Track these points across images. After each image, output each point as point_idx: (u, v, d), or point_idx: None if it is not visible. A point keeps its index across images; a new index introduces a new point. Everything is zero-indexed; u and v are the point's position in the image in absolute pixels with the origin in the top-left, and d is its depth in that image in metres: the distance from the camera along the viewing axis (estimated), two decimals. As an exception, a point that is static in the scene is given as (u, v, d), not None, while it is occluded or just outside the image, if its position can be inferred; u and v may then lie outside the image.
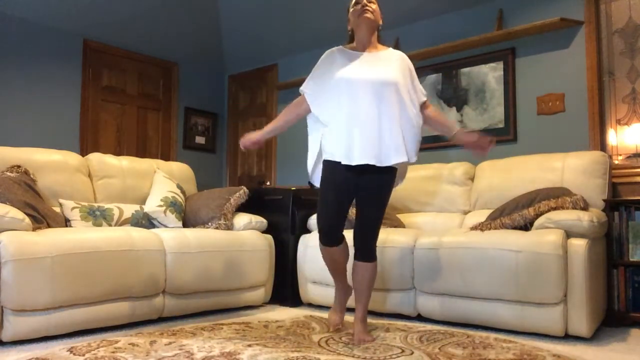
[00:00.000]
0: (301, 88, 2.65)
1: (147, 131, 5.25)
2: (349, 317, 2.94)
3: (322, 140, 2.54)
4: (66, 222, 3.03)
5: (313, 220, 3.61)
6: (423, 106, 2.58)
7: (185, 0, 4.96)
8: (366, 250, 2.52)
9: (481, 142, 2.53)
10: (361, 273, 2.52)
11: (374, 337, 2.52)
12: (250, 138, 2.67)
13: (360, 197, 2.49)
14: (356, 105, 2.42)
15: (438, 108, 4.23)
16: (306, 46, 5.03)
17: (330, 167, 2.49)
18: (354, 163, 2.39)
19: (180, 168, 3.98)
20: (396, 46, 4.43)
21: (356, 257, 2.55)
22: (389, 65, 2.51)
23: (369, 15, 2.48)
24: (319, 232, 2.54)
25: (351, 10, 2.55)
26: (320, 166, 2.57)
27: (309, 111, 2.61)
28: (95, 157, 3.54)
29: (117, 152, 4.83)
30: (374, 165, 2.40)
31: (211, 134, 5.83)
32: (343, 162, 2.40)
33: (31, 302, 2.36)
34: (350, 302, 2.75)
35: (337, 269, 2.65)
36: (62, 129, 4.56)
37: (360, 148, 2.39)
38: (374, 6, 2.52)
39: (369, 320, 2.82)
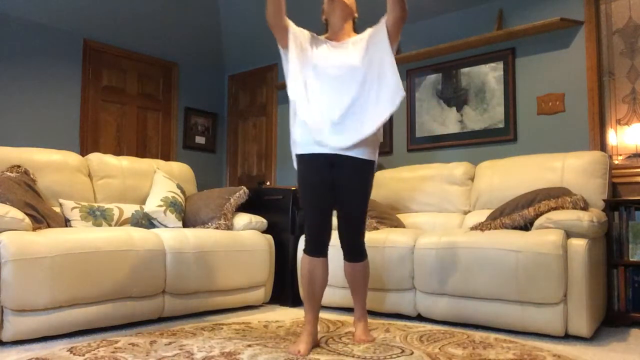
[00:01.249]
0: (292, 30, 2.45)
1: (147, 131, 5.25)
2: (348, 317, 2.94)
3: (292, 130, 2.46)
4: (66, 222, 3.03)
5: (313, 220, 3.61)
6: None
7: (185, 0, 4.96)
8: (354, 249, 2.47)
9: None
10: (353, 273, 2.50)
11: (374, 337, 2.52)
12: None
13: (339, 194, 2.40)
14: (320, 92, 2.35)
15: (437, 108, 4.23)
16: (306, 46, 5.02)
17: (303, 163, 2.41)
18: (315, 152, 2.34)
19: (180, 168, 3.98)
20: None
21: (345, 258, 2.50)
22: (358, 46, 2.40)
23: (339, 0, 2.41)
24: (306, 240, 2.43)
25: None
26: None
27: (280, 28, 2.41)
28: (95, 157, 3.54)
29: (117, 152, 4.83)
30: (348, 159, 2.33)
31: (211, 134, 5.83)
32: (309, 152, 2.36)
33: (31, 302, 2.36)
34: (349, 302, 2.75)
35: (313, 287, 2.37)
36: (62, 129, 4.56)
37: (321, 138, 2.32)
38: None
39: (369, 320, 2.82)
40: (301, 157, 2.43)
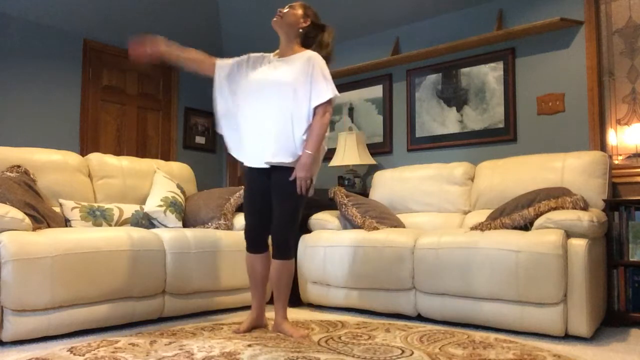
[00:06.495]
0: (218, 62, 2.84)
1: (147, 131, 5.25)
2: (349, 318, 2.94)
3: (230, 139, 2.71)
4: (66, 222, 3.03)
5: (313, 220, 3.61)
6: (315, 109, 2.54)
7: (185, 0, 4.96)
8: (278, 244, 2.61)
9: (299, 180, 2.52)
10: (273, 270, 2.64)
11: (307, 331, 2.62)
12: (152, 47, 2.67)
13: (272, 196, 2.63)
14: (250, 106, 2.60)
15: (437, 108, 4.23)
16: (306, 46, 5.02)
17: (245, 170, 2.70)
18: (245, 163, 2.63)
19: (180, 168, 3.98)
20: (396, 46, 4.43)
21: (272, 255, 2.66)
22: (291, 66, 2.59)
23: (274, 20, 2.64)
24: (245, 239, 2.71)
25: None
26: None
27: (209, 72, 2.85)
28: (95, 157, 3.54)
29: (117, 152, 4.82)
30: (276, 167, 2.53)
31: (211, 134, 5.82)
32: (244, 163, 2.64)
33: (31, 302, 2.37)
34: (349, 302, 2.76)
35: (254, 278, 2.72)
36: (62, 129, 4.55)
37: (249, 149, 2.60)
38: (292, 11, 2.64)
39: (369, 320, 2.83)
40: (242, 164, 2.69)
